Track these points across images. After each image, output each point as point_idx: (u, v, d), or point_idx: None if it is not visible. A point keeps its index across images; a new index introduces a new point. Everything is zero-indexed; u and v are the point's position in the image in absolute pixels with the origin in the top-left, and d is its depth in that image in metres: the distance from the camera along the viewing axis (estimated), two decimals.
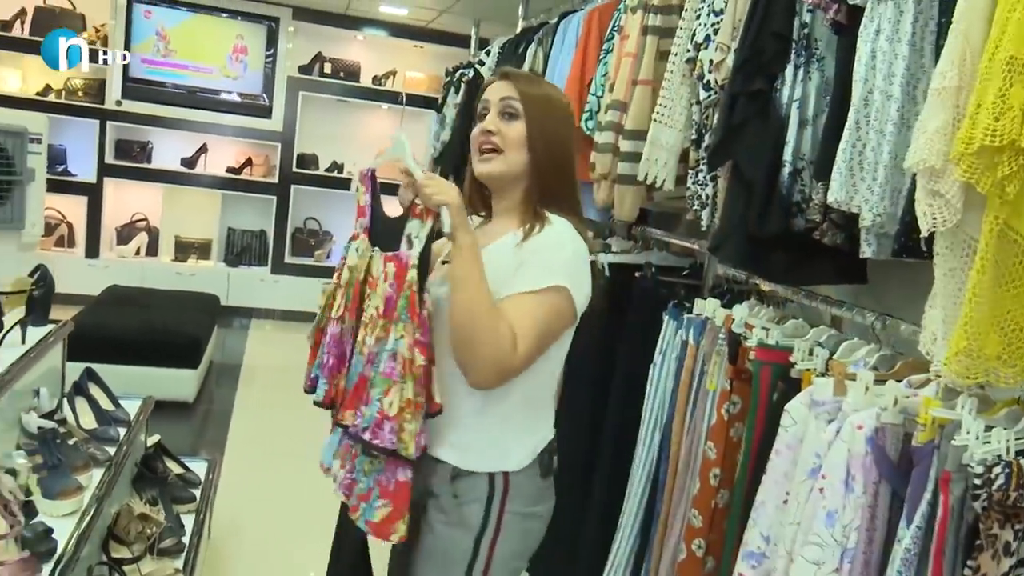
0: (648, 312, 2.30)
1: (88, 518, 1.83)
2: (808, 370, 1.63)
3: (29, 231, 5.64)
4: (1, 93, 5.99)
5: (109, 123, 6.21)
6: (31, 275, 2.29)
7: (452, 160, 4.82)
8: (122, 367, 4.04)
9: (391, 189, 1.45)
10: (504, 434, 1.46)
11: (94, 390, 2.42)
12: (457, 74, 5.27)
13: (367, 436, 1.35)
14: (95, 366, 4.01)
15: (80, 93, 6.23)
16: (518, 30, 4.13)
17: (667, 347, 2.17)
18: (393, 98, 6.72)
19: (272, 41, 6.51)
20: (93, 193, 6.27)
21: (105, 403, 2.40)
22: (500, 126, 1.48)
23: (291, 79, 6.54)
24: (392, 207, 1.50)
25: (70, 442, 2.03)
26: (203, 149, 6.50)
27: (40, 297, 2.26)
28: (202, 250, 6.60)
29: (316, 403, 1.47)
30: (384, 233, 1.46)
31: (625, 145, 2.35)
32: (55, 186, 6.06)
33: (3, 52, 6.06)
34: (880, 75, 1.47)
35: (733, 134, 1.83)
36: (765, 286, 2.06)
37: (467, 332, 1.32)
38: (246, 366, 5.40)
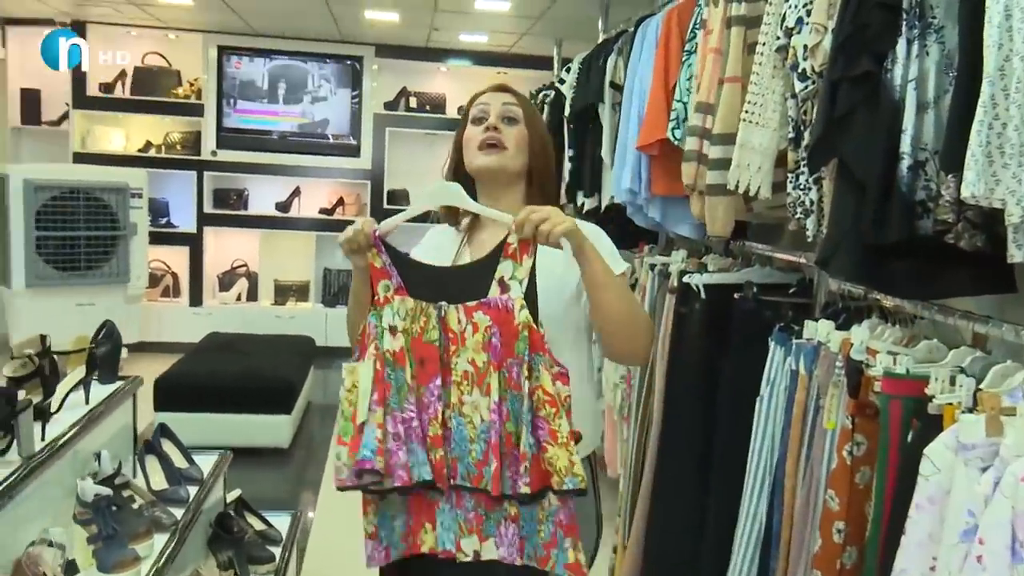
0: (751, 338, 2.03)
1: None
2: (950, 404, 1.34)
3: (134, 283, 5.83)
4: (105, 152, 6.23)
5: (206, 173, 6.36)
6: (97, 332, 2.22)
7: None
8: (216, 415, 4.03)
9: None
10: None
11: (167, 447, 2.33)
12: (540, 96, 5.12)
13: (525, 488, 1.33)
14: (188, 416, 4.05)
15: (178, 147, 6.41)
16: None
17: (775, 378, 1.89)
18: None
19: (357, 80, 6.54)
20: (194, 243, 6.42)
21: (179, 460, 2.31)
22: (502, 127, 1.54)
23: (377, 116, 6.55)
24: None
25: (134, 506, 1.93)
26: (296, 192, 6.57)
27: (105, 355, 2.19)
28: (300, 292, 6.65)
29: (419, 483, 1.37)
30: (427, 286, 1.40)
31: (713, 151, 2.10)
32: (158, 238, 6.27)
33: (107, 113, 6.31)
34: (1020, 37, 1.19)
35: (837, 127, 1.56)
36: (888, 301, 1.76)
37: (630, 318, 1.48)
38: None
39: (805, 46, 1.73)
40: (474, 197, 1.53)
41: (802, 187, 1.82)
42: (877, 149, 1.49)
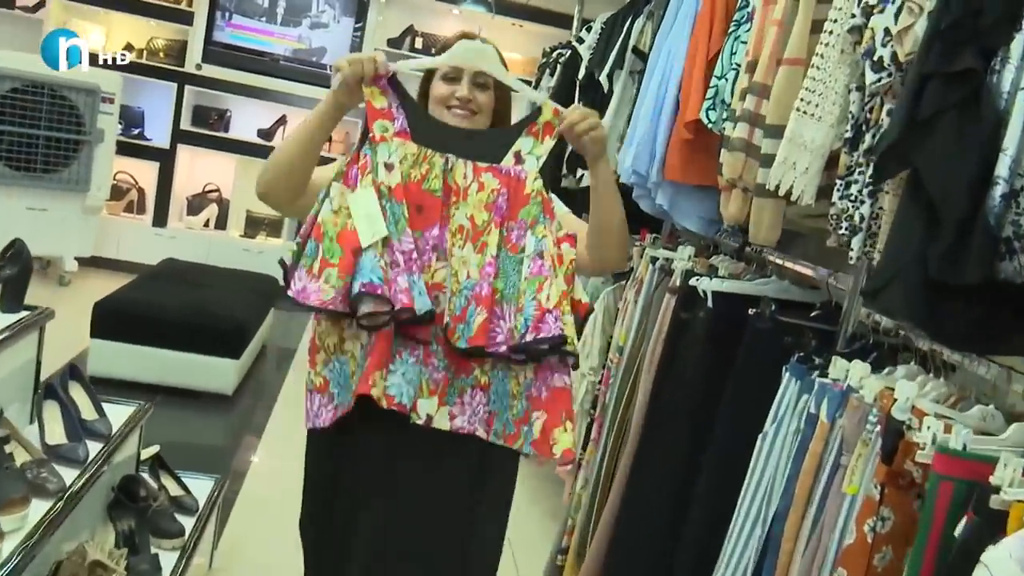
0: (762, 362, 1.75)
1: (8, 571, 1.41)
2: (1021, 502, 1.06)
3: (94, 194, 5.42)
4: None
5: (187, 87, 5.94)
6: (5, 251, 1.89)
7: None
8: (156, 350, 3.72)
9: None
10: None
11: (76, 393, 2.02)
12: (554, 55, 4.77)
13: (529, 337, 1.32)
14: (125, 346, 3.72)
15: (161, 54, 5.98)
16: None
17: (784, 414, 1.62)
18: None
19: (362, 11, 6.13)
20: (166, 159, 6.02)
21: (87, 410, 1.99)
22: (475, 94, 1.49)
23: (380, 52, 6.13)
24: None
25: (16, 465, 1.63)
26: (282, 121, 6.18)
27: (9, 278, 1.86)
28: (272, 227, 6.30)
29: (415, 319, 1.33)
30: (434, 136, 1.41)
31: (767, 144, 1.77)
32: (128, 150, 5.88)
33: (88, 7, 5.85)
34: None
35: (918, 133, 1.26)
36: (924, 342, 1.49)
37: (620, 220, 1.49)
38: (301, 353, 5.05)
39: (887, 29, 1.42)
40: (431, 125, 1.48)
41: (853, 198, 1.53)
42: (965, 167, 1.21)
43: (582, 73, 3.66)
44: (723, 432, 1.83)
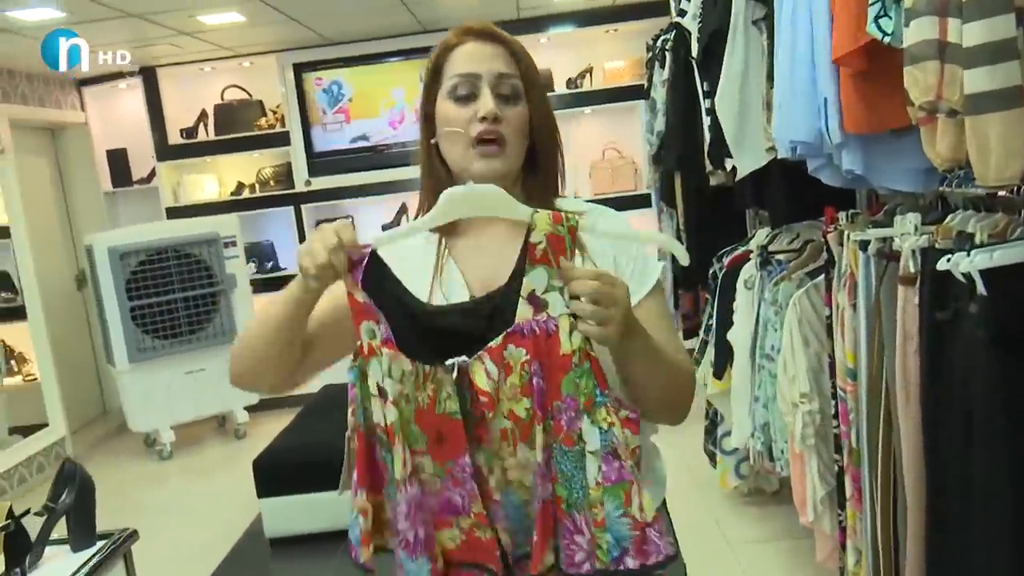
0: None
1: None
2: None
3: None
4: (199, 202, 5.80)
5: (303, 207, 5.81)
6: (55, 480, 1.53)
7: (675, 150, 3.71)
8: (326, 494, 3.36)
9: None
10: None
11: None
12: (659, 43, 4.18)
13: (630, 562, 1.02)
14: (295, 499, 3.43)
15: (272, 182, 5.90)
16: None
17: None
18: (595, 98, 5.72)
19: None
20: None
21: None
22: (501, 112, 1.15)
23: None
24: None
25: None
26: (403, 210, 5.91)
27: (73, 507, 1.50)
28: None
29: None
30: (427, 335, 1.04)
31: (971, 33, 1.15)
32: (268, 285, 5.77)
33: (193, 160, 5.89)
34: None
35: None
36: None
37: (672, 391, 1.14)
38: None
39: None
40: (446, 183, 1.15)
41: None
42: None
43: (695, 49, 3.05)
44: None
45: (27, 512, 1.55)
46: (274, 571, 3.45)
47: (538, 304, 1.01)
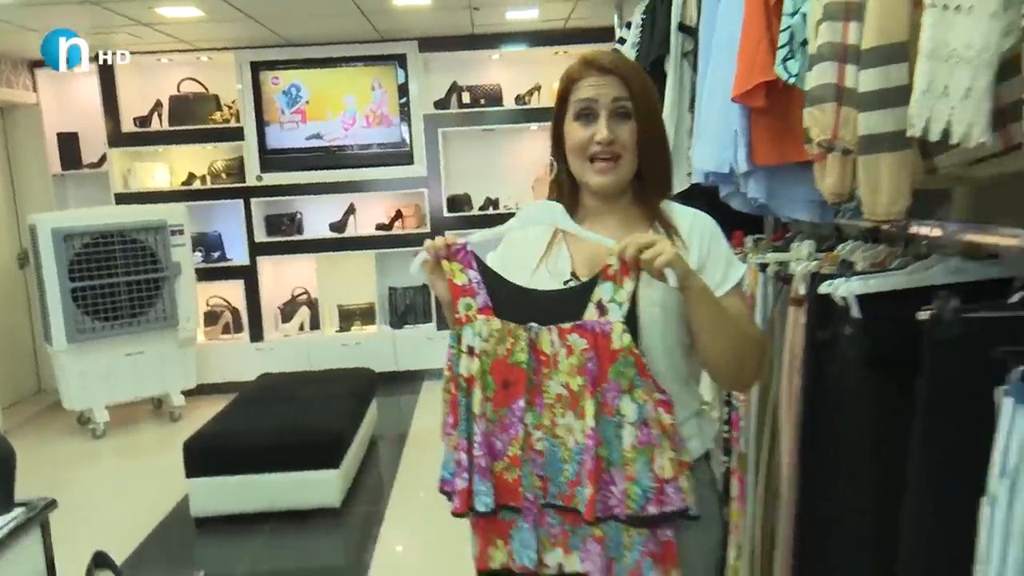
0: (961, 387, 1.21)
1: None
2: None
3: (184, 326, 5.38)
4: (149, 190, 5.88)
5: (253, 200, 5.92)
6: None
7: None
8: (254, 476, 3.53)
9: None
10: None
11: None
12: None
13: (651, 509, 1.33)
14: (223, 480, 3.55)
15: (223, 175, 6.00)
16: None
17: (1019, 464, 1.09)
18: (541, 115, 5.95)
19: (403, 89, 5.96)
20: (249, 275, 5.99)
21: None
22: (616, 131, 1.42)
23: (428, 117, 5.95)
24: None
25: None
26: (351, 210, 6.06)
27: None
28: (365, 315, 6.14)
29: (481, 512, 1.39)
30: (516, 307, 1.40)
31: (867, 79, 1.32)
32: (214, 274, 5.89)
33: (146, 148, 5.97)
34: None
35: None
36: None
37: (739, 360, 1.41)
38: (412, 437, 4.82)
39: None
40: (576, 197, 1.51)
41: None
42: None
43: None
44: (919, 495, 1.30)
45: None
46: (198, 548, 3.56)
47: (602, 310, 1.34)
